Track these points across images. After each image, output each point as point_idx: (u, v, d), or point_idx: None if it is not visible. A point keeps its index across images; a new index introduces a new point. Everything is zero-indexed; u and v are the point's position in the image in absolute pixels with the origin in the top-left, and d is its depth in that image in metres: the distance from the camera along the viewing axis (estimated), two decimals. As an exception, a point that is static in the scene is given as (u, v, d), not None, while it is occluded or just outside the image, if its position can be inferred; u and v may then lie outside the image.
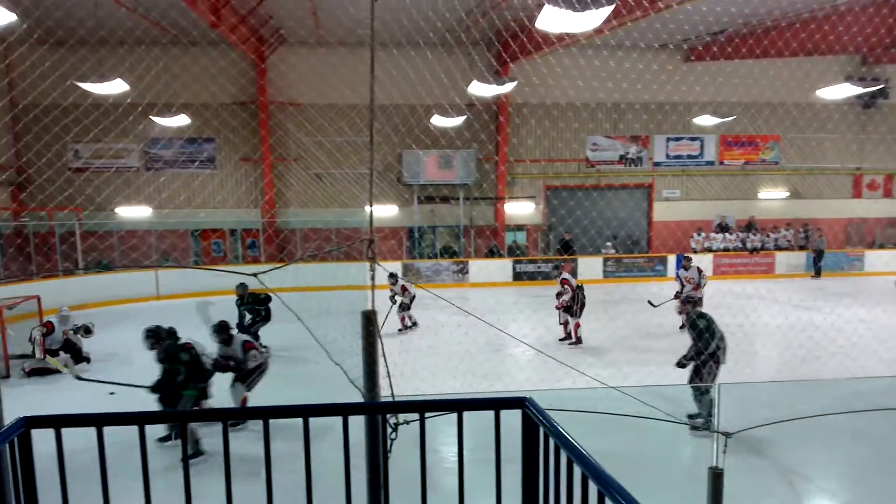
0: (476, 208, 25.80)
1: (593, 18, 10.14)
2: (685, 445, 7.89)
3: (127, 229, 23.26)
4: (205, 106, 22.99)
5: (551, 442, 2.72)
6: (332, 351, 5.18)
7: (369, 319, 3.26)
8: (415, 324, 15.42)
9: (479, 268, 23.72)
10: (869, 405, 9.24)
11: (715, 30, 21.83)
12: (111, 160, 24.00)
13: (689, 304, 9.87)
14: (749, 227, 26.14)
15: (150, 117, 20.61)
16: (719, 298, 19.00)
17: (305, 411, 2.96)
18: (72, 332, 12.66)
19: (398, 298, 15.25)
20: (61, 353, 12.31)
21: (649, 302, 14.27)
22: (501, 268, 24.00)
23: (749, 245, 25.39)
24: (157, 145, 24.15)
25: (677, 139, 26.25)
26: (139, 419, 2.84)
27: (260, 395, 8.57)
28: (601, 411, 6.77)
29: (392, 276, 14.84)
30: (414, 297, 15.28)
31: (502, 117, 24.69)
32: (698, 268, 14.60)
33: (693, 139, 26.31)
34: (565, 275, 13.92)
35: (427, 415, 3.09)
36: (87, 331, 12.71)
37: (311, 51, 22.88)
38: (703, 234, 25.84)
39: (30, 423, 2.76)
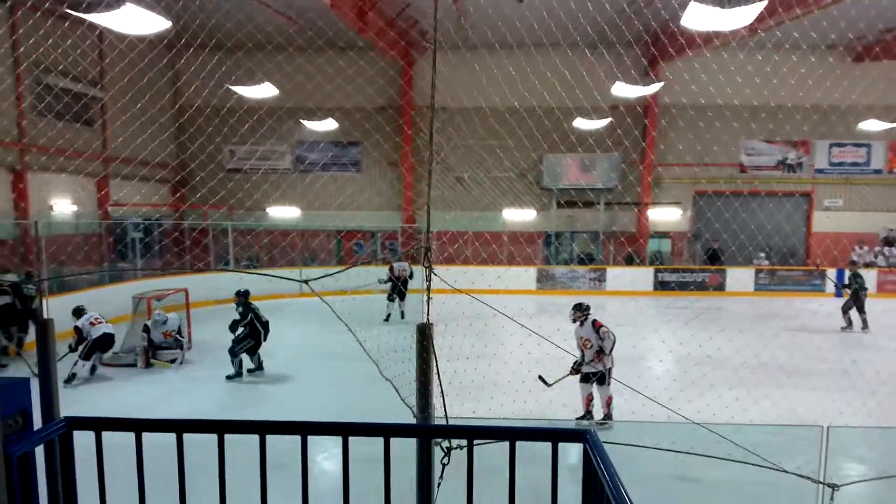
0: (619, 214, 25.01)
1: (743, 16, 9.50)
2: (781, 494, 7.01)
3: (276, 229, 24.34)
4: (353, 110, 23.63)
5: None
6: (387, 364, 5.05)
7: (424, 333, 3.05)
8: None
9: (618, 275, 22.96)
10: None
11: (887, 26, 20.01)
12: (263, 161, 25.26)
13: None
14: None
15: (301, 121, 21.44)
16: (887, 318, 17.41)
17: (345, 430, 2.79)
18: (174, 332, 13.22)
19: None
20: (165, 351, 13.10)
21: (540, 378, 9.31)
22: (642, 276, 23.12)
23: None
24: (307, 148, 25.15)
25: (841, 145, 24.26)
26: (177, 426, 2.79)
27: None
28: (679, 450, 6.18)
29: None
30: None
31: (649, 119, 23.78)
32: (597, 326, 9.20)
33: (858, 145, 24.25)
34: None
35: (476, 442, 2.84)
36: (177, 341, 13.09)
37: (457, 54, 22.97)
38: (867, 248, 23.71)
39: (71, 423, 2.77)
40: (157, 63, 19.48)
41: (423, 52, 23.41)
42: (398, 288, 17.20)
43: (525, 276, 22.88)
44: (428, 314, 3.15)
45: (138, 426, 2.76)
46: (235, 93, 16.88)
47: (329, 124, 20.96)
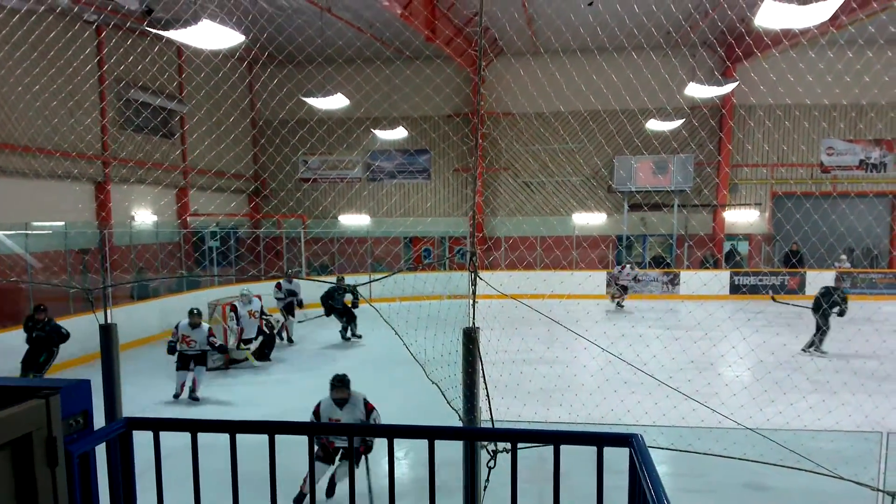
0: (694, 217, 24.46)
1: (819, 13, 9.18)
2: (836, 499, 6.70)
3: (346, 236, 24.75)
4: (420, 119, 23.85)
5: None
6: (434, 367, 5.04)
7: (470, 338, 3.06)
8: None
9: (691, 279, 22.44)
10: None
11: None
12: (337, 171, 25.76)
13: None
14: None
15: (372, 130, 21.75)
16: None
17: (391, 432, 2.84)
18: (261, 315, 13.51)
19: None
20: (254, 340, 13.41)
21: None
22: (715, 279, 22.52)
23: None
24: (378, 157, 25.52)
25: (928, 142, 23.16)
26: (230, 427, 2.88)
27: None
28: (732, 456, 6.00)
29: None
30: None
31: (724, 121, 23.22)
32: None
33: (948, 141, 23.08)
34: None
35: (520, 446, 2.83)
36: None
37: (524, 60, 22.94)
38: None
39: (130, 423, 2.89)
40: (231, 77, 20.07)
41: (491, 60, 23.45)
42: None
43: (596, 280, 22.56)
44: (473, 318, 3.16)
45: (194, 426, 2.86)
46: (307, 104, 17.24)
47: (398, 133, 21.21)
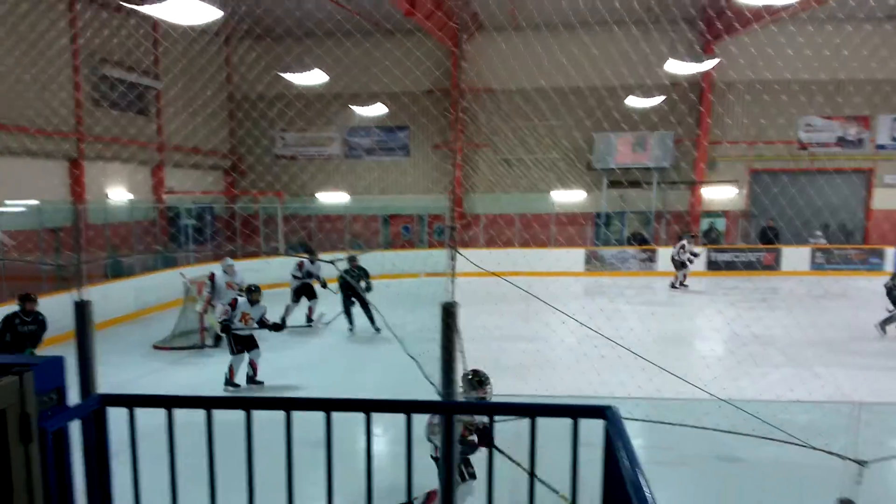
0: (671, 194, 24.59)
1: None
2: (829, 473, 6.84)
3: (324, 213, 24.60)
4: (400, 94, 23.64)
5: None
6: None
7: (448, 312, 3.07)
8: None
9: (669, 256, 22.61)
10: None
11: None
12: (314, 148, 25.56)
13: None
14: None
15: (349, 106, 21.57)
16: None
17: (368, 405, 2.84)
18: (237, 288, 12.48)
19: None
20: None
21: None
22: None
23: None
24: (356, 134, 25.34)
25: (904, 119, 23.38)
26: (206, 402, 2.87)
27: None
28: (704, 427, 6.11)
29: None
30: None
31: (704, 97, 23.28)
32: None
33: (922, 118, 23.32)
34: None
35: (497, 418, 2.85)
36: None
37: (504, 35, 22.78)
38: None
39: (104, 400, 2.87)
40: (209, 52, 19.82)
41: (473, 34, 23.28)
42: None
43: (573, 257, 22.71)
44: (452, 293, 3.17)
45: (169, 402, 2.85)
46: (285, 79, 17.04)
47: (377, 109, 21.04)
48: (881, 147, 23.71)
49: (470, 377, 6.25)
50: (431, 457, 5.87)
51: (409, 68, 21.14)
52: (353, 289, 13.48)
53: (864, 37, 20.30)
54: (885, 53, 21.00)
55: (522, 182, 24.31)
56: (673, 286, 19.62)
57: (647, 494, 2.02)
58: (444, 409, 3.07)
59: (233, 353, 10.40)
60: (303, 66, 16.47)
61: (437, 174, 25.21)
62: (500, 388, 9.51)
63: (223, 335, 11.01)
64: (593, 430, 2.73)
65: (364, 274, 13.88)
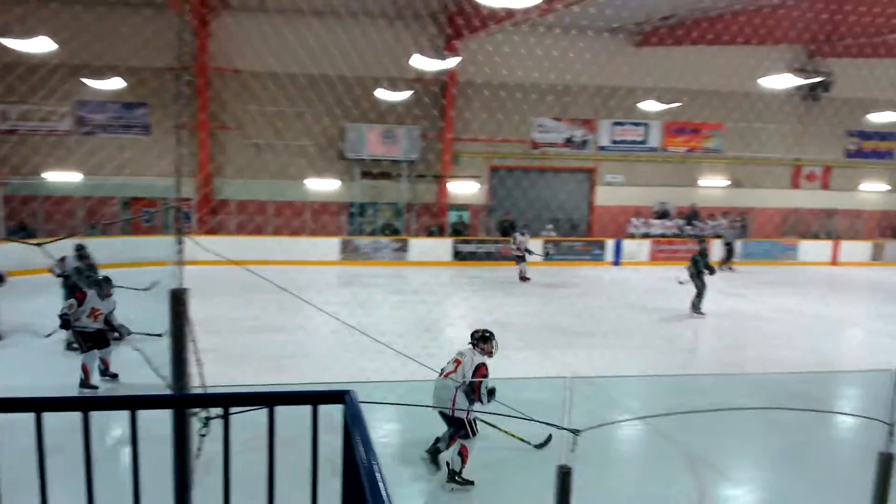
0: (420, 186, 25.38)
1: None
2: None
3: (53, 194, 22.21)
4: (140, 69, 21.91)
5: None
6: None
7: (178, 299, 2.91)
8: None
9: (419, 246, 23.44)
10: (781, 395, 9.30)
11: (665, 14, 21.71)
12: (40, 122, 22.93)
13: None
14: (692, 215, 26.12)
15: (81, 79, 19.69)
16: (653, 283, 19.19)
17: (85, 404, 2.61)
18: None
19: None
20: None
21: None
22: (441, 247, 23.77)
23: (685, 233, 25.36)
24: (89, 108, 23.15)
25: (622, 124, 26.18)
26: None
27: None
28: (443, 407, 6.60)
29: None
30: None
31: (447, 94, 24.26)
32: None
33: (637, 125, 26.30)
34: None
35: (233, 410, 2.76)
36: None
37: (253, 17, 22.03)
38: (643, 220, 25.93)
39: None
40: None
41: (219, 12, 22.24)
42: None
43: (328, 246, 22.76)
44: (181, 279, 3.01)
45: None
46: (3, 45, 15.14)
47: (116, 83, 19.43)
48: (602, 148, 26.34)
49: (477, 334, 7.24)
50: (443, 414, 6.71)
51: (149, 40, 19.73)
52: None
53: (587, 44, 22.32)
54: (604, 60, 23.21)
55: (272, 167, 23.66)
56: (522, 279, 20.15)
57: (380, 485, 2.05)
58: (174, 403, 2.92)
59: (83, 351, 9.53)
60: (24, 31, 14.72)
61: (181, 156, 23.72)
62: (249, 380, 9.35)
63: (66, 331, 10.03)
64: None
65: (93, 271, 12.31)
